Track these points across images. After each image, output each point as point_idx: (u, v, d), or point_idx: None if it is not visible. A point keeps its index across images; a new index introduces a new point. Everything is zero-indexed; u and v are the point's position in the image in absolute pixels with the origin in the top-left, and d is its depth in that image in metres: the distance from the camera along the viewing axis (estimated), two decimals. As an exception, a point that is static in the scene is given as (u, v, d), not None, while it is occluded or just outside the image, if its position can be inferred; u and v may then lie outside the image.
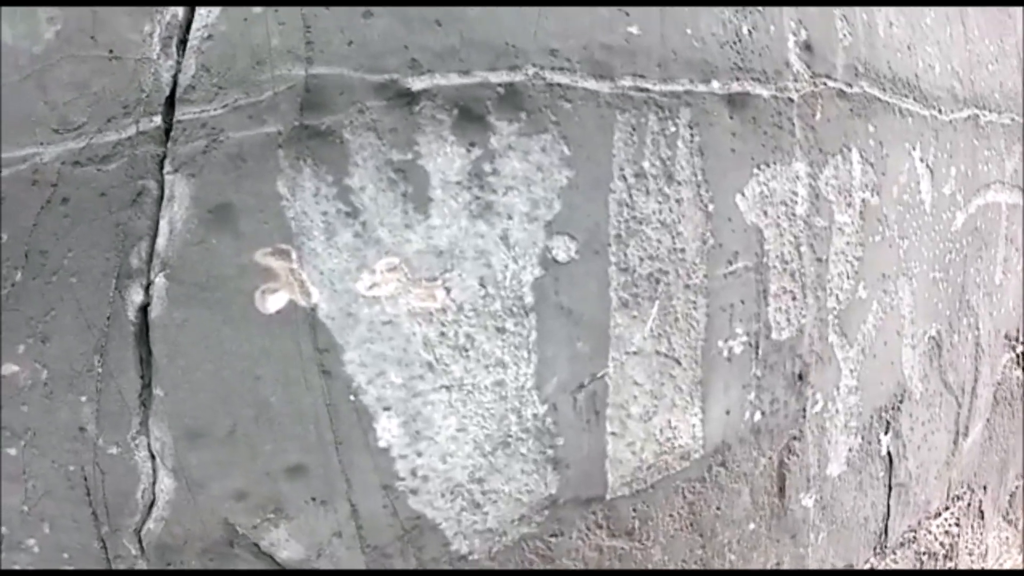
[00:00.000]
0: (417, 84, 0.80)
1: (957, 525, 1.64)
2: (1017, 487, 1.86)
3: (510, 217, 0.86)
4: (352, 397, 0.82)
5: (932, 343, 1.47)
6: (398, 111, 0.79)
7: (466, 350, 0.86)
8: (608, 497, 1.01)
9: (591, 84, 0.90)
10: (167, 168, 0.81)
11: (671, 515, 1.08)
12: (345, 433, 0.83)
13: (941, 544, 1.61)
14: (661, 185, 0.97)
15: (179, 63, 0.82)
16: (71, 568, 0.91)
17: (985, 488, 1.73)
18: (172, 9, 0.82)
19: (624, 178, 0.94)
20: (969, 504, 1.69)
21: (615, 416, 0.99)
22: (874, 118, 1.24)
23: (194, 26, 0.82)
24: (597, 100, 0.90)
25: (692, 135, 0.99)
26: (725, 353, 1.06)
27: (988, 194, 1.60)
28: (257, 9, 0.79)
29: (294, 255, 0.80)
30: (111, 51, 0.82)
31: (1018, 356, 1.80)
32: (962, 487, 1.67)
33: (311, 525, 0.84)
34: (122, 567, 0.89)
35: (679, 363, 1.02)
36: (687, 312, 1.02)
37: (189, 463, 0.85)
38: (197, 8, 0.82)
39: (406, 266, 0.82)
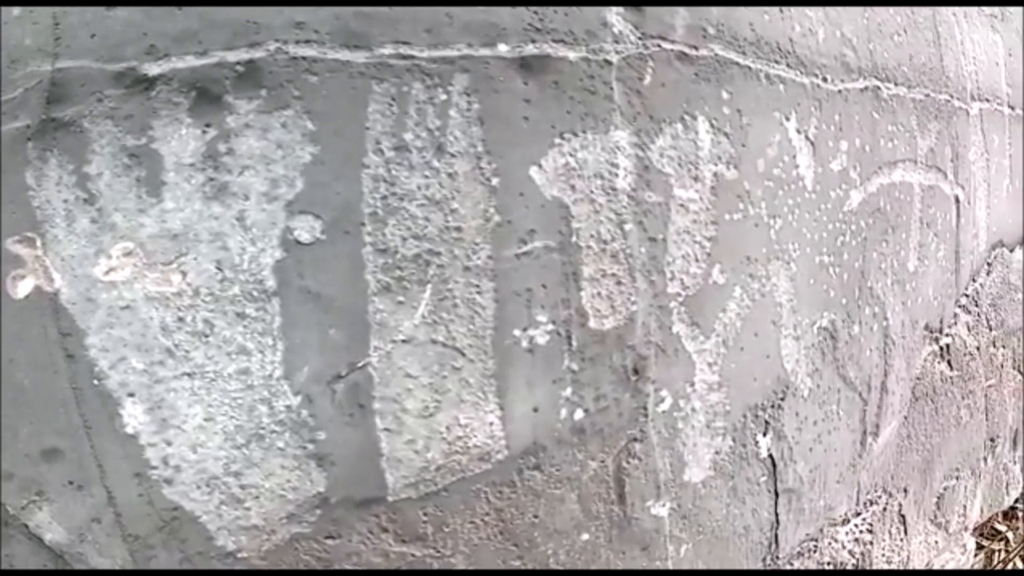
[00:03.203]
0: (154, 69, 0.76)
1: (870, 532, 1.41)
2: (946, 488, 1.61)
3: (247, 197, 0.77)
4: (96, 382, 0.77)
5: (824, 334, 1.25)
6: (135, 98, 0.75)
7: (206, 336, 0.78)
8: (390, 499, 0.86)
9: (343, 55, 0.78)
10: (-62, 164, 0.76)
11: (473, 522, 0.90)
12: (93, 418, 0.78)
13: (850, 553, 1.38)
14: (428, 158, 0.81)
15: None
16: None
17: (906, 491, 1.49)
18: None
19: (381, 152, 0.80)
20: (885, 509, 1.45)
21: (387, 411, 0.83)
22: (728, 84, 1.04)
23: (-35, 31, 0.76)
24: (349, 71, 0.79)
25: (469, 103, 0.83)
26: (524, 343, 0.88)
27: (895, 173, 1.37)
28: (16, 11, 0.76)
29: (39, 242, 0.77)
30: None
31: (941, 349, 1.55)
32: (875, 491, 1.44)
33: (70, 509, 0.79)
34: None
35: (462, 354, 0.85)
36: (469, 297, 0.84)
37: (-40, 442, 0.77)
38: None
39: (141, 250, 0.77)
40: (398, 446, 0.85)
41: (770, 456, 1.19)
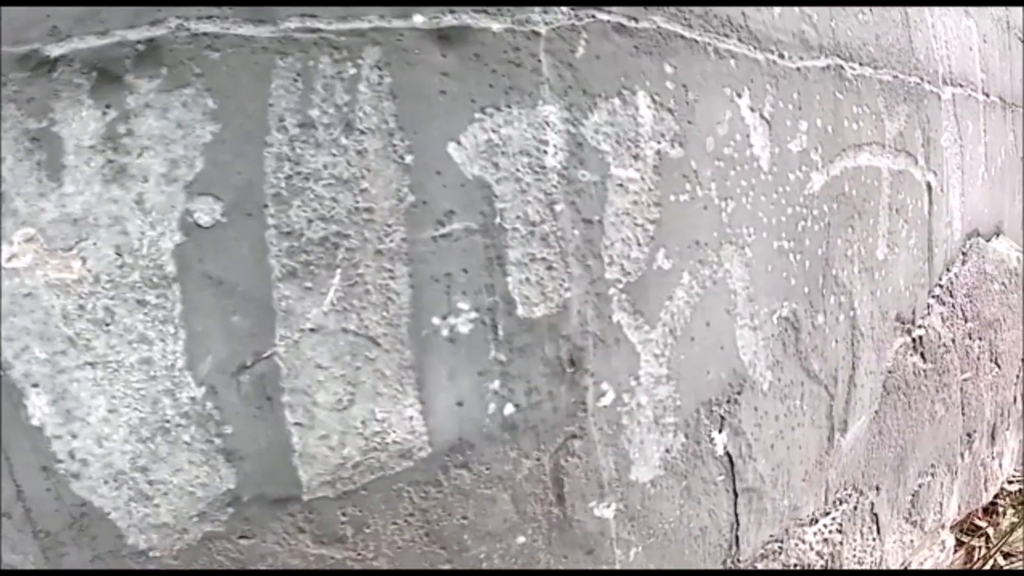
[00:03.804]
0: (56, 51, 0.73)
1: (840, 532, 1.34)
2: (921, 485, 1.53)
3: (145, 180, 0.73)
4: (1, 372, 0.74)
5: (785, 325, 1.18)
6: (38, 80, 0.73)
7: (107, 324, 0.74)
8: (306, 498, 0.80)
9: (246, 30, 0.74)
10: None
11: (396, 523, 0.84)
12: (-1, 409, 0.73)
13: (818, 554, 1.31)
14: (336, 135, 0.76)
15: None
16: None
17: (878, 489, 1.42)
18: None
19: (284, 129, 0.75)
20: (856, 508, 1.38)
21: (297, 404, 0.78)
22: (672, 57, 0.97)
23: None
24: (252, 46, 0.74)
25: (381, 77, 0.78)
26: (445, 332, 0.81)
27: (860, 157, 1.31)
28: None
29: (-54, 229, 0.72)
30: None
31: (914, 341, 1.48)
32: (845, 489, 1.36)
33: (-20, 503, 0.74)
34: None
35: (377, 343, 0.78)
36: (381, 283, 0.78)
37: None
38: None
39: (42, 236, 0.74)
40: (311, 442, 0.79)
41: (727, 454, 1.12)
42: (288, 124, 0.75)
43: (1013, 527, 2.05)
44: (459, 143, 0.80)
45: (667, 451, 1.04)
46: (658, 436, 1.02)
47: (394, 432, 0.81)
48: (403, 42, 0.79)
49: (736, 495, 1.15)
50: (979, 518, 1.96)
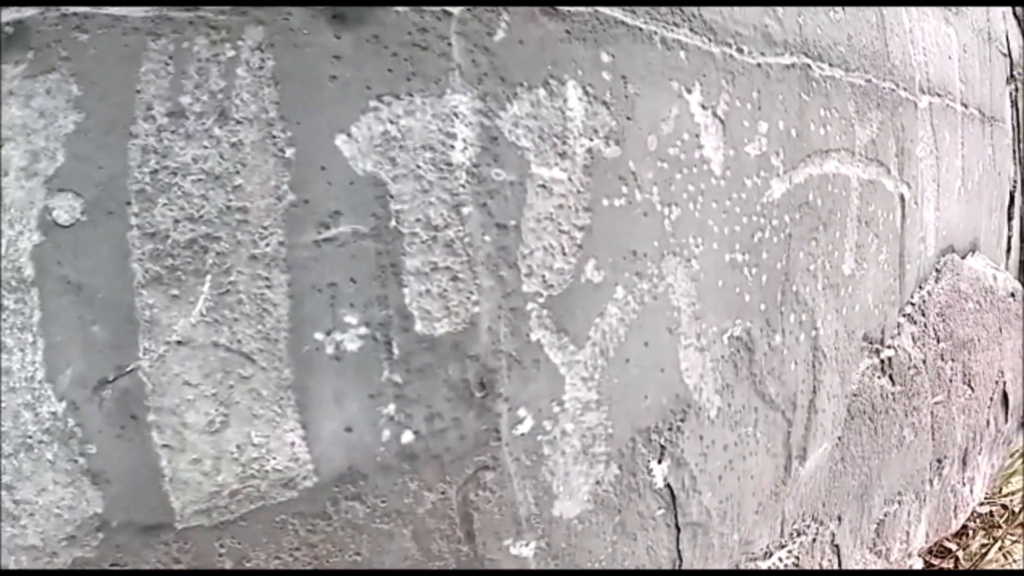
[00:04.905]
0: None
1: (796, 565, 1.24)
2: (886, 514, 1.44)
3: (6, 174, 0.66)
4: None
5: (737, 345, 1.08)
6: None
7: None
8: (179, 526, 0.71)
9: (118, 9, 0.66)
10: None
11: (280, 558, 0.73)
12: None
13: (772, 590, 1.21)
14: (208, 125, 0.67)
15: None
16: None
17: (840, 519, 1.32)
18: None
19: (152, 118, 0.66)
20: (815, 539, 1.28)
21: (165, 424, 0.68)
22: (610, 45, 0.87)
23: None
24: (123, 27, 0.66)
25: (262, 60, 0.68)
26: (329, 349, 0.71)
27: (827, 164, 1.21)
28: None
29: None
30: None
31: (883, 362, 1.38)
32: (803, 520, 1.26)
33: None
34: None
35: (251, 360, 0.68)
36: (256, 292, 0.68)
37: None
38: None
39: None
40: (181, 466, 0.69)
41: (668, 486, 1.02)
42: (156, 112, 0.66)
43: (984, 549, 1.96)
44: (349, 135, 0.70)
45: (597, 483, 0.93)
46: (587, 467, 0.91)
47: (274, 458, 0.71)
48: (290, 22, 0.69)
49: (678, 530, 1.05)
50: (949, 540, 1.87)
